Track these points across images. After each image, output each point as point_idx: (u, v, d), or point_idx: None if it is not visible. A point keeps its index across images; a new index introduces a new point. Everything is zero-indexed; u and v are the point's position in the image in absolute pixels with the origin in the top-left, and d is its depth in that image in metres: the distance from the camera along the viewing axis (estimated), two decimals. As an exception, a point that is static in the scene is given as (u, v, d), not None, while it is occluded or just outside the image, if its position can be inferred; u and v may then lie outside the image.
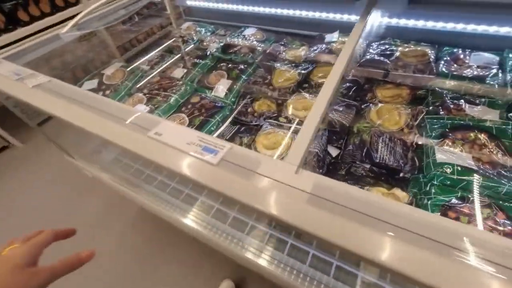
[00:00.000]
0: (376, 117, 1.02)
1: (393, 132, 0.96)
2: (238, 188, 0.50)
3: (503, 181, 0.73)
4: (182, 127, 0.67)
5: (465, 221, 0.70)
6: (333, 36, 1.38)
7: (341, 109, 1.07)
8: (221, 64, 1.45)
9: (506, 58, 1.04)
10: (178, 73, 1.43)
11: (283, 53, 1.43)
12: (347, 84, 1.17)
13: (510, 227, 0.66)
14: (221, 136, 1.12)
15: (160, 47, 1.68)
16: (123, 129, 0.66)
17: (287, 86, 1.23)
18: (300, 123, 1.08)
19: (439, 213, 0.72)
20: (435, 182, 0.77)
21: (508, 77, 1.01)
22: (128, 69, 1.45)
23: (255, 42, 1.52)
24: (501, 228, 0.66)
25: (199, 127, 1.11)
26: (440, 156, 0.80)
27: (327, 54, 1.31)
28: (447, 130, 0.87)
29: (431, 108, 1.01)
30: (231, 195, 0.50)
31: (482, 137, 0.83)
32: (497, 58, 1.05)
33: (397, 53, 1.16)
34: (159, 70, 1.51)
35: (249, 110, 1.23)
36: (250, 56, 1.44)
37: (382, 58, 1.16)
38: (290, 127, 1.08)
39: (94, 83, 1.37)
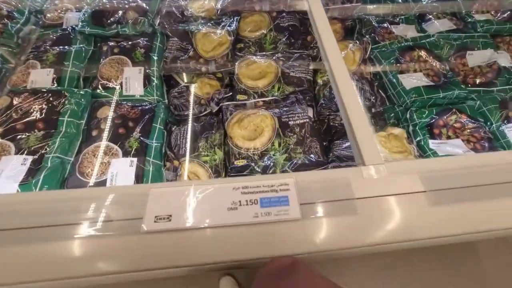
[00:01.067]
0: (333, 62, 0.96)
1: (355, 71, 0.95)
2: (380, 230, 0.35)
3: (451, 88, 0.87)
4: (188, 182, 0.40)
5: (445, 132, 0.82)
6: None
7: (297, 63, 0.95)
8: (107, 45, 0.96)
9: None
10: (40, 79, 0.86)
11: (189, 9, 1.08)
12: (285, 32, 1.03)
13: (471, 124, 0.82)
14: (178, 149, 0.82)
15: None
16: (82, 243, 0.34)
17: (221, 53, 0.96)
18: (263, 93, 0.91)
19: (426, 134, 0.80)
20: (413, 108, 0.84)
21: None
22: None
23: None
24: (467, 126, 0.81)
25: (143, 152, 0.76)
26: (406, 83, 0.86)
27: (246, -1, 1.07)
28: (397, 56, 0.93)
29: (366, 37, 1.04)
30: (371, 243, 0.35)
31: (423, 53, 0.93)
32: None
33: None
34: (-8, 83, 0.87)
35: (190, 98, 0.92)
36: (145, 22, 1.01)
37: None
38: (257, 103, 0.90)
39: None
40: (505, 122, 0.80)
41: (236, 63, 0.95)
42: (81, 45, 0.95)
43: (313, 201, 0.38)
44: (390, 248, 0.36)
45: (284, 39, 1.02)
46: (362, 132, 0.46)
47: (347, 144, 0.82)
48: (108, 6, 1.02)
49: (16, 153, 0.69)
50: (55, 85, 0.85)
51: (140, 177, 0.71)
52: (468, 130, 0.80)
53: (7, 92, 0.82)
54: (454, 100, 0.86)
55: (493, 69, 0.94)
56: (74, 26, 0.99)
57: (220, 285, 1.25)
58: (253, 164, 0.77)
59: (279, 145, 0.79)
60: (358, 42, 0.98)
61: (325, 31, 0.67)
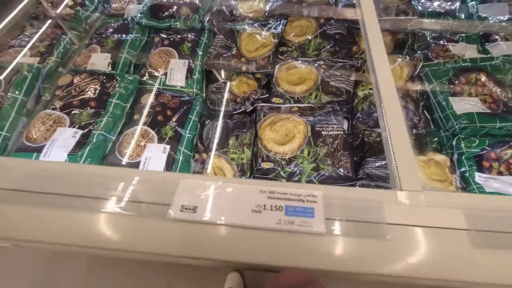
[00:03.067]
0: (378, 75, 0.92)
1: (400, 88, 0.90)
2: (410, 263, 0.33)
3: (507, 117, 0.77)
4: (217, 178, 0.41)
5: (496, 166, 0.73)
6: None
7: (338, 73, 0.92)
8: (159, 37, 1.03)
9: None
10: (99, 63, 0.95)
11: (238, 9, 1.11)
12: (331, 40, 1.00)
13: (531, 161, 0.72)
14: (209, 143, 0.85)
15: (31, 27, 1.07)
16: (114, 219, 0.36)
17: (263, 54, 0.97)
18: (300, 99, 0.90)
19: (474, 165, 0.72)
20: (461, 136, 0.76)
21: (470, 8, 1.03)
22: (3, 74, 0.88)
23: (191, -4, 1.11)
24: (526, 165, 0.71)
25: (176, 141, 0.79)
26: (458, 107, 0.79)
27: (296, 2, 1.07)
28: (451, 76, 0.85)
29: (418, 53, 0.97)
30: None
31: (482, 77, 0.84)
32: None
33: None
34: (58, 62, 0.98)
35: (226, 95, 0.95)
36: (195, 18, 1.06)
37: (360, 2, 1.01)
38: (292, 108, 0.89)
39: None
40: None
41: (277, 66, 0.95)
42: (137, 35, 1.03)
43: (340, 218, 0.37)
44: (417, 283, 0.33)
45: (328, 47, 1.00)
46: (402, 154, 0.43)
47: (380, 163, 0.77)
48: (165, 0, 1.09)
49: (70, 126, 0.77)
50: (110, 69, 0.94)
51: (170, 164, 0.75)
52: (526, 169, 0.71)
53: (70, 70, 0.92)
54: (508, 133, 0.77)
55: None
56: (133, 17, 1.08)
57: (226, 279, 1.27)
58: (279, 168, 0.77)
59: (309, 153, 0.78)
60: (408, 57, 0.92)
61: (376, 42, 0.64)
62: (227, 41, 1.02)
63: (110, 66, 0.94)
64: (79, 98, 0.83)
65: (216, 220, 0.35)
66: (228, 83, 0.97)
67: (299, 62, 0.95)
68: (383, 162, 0.77)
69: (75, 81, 0.87)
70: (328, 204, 0.38)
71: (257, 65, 0.97)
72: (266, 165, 0.78)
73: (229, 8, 1.11)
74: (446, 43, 0.98)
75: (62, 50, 1.01)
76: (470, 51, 0.95)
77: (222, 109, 0.93)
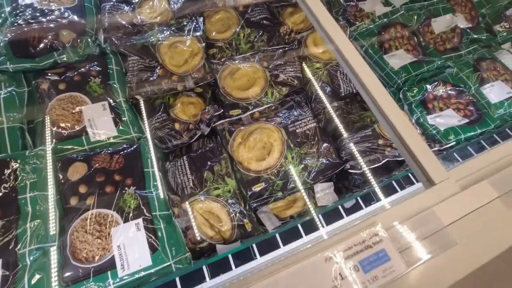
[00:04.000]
0: (317, 50, 0.91)
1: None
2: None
3: (430, 59, 0.90)
4: (268, 271, 0.34)
5: (437, 105, 0.85)
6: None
7: (282, 62, 0.88)
8: (47, 82, 0.75)
9: None
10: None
11: (137, 16, 0.89)
12: (259, 28, 0.93)
13: (455, 91, 0.86)
14: (182, 189, 0.71)
15: None
16: None
17: (196, 65, 0.83)
18: (258, 103, 0.82)
19: (423, 110, 0.83)
20: (405, 88, 0.85)
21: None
22: None
23: (61, 9, 0.82)
24: (453, 95, 0.86)
25: (146, 208, 0.63)
26: (394, 62, 0.86)
27: (205, -6, 0.93)
28: (377, 35, 0.91)
29: (341, 20, 1.00)
30: None
31: (399, 29, 0.93)
32: None
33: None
34: None
35: (176, 126, 0.79)
36: (88, 42, 0.81)
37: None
38: (254, 114, 0.81)
39: None
40: (481, 83, 0.87)
41: (217, 74, 0.83)
42: (9, 89, 0.72)
43: (408, 245, 0.34)
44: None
45: (259, 35, 0.92)
46: (417, 146, 0.43)
47: (355, 138, 0.80)
48: (29, 28, 0.78)
49: (-25, 264, 0.50)
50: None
51: (154, 240, 0.60)
52: (455, 99, 0.85)
53: None
54: (436, 71, 0.90)
55: (456, 33, 0.99)
56: (-11, 64, 0.74)
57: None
58: (271, 184, 0.71)
59: (292, 157, 0.74)
60: (336, 26, 0.94)
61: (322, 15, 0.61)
62: (145, 61, 0.82)
63: (-8, 149, 0.64)
64: (-33, 215, 0.55)
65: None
66: (171, 111, 0.80)
67: (238, 61, 0.86)
68: (357, 135, 0.80)
69: None
70: (392, 234, 0.35)
71: (194, 79, 0.83)
72: (257, 187, 0.71)
73: (126, 18, 0.88)
74: (357, 2, 1.03)
75: None
76: (378, 6, 1.03)
77: (178, 143, 0.78)
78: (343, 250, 0.33)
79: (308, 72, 0.89)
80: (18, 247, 0.53)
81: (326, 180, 0.78)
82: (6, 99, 0.70)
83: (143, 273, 0.56)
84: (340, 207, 0.72)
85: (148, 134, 0.77)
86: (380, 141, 0.77)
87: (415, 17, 0.98)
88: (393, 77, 0.86)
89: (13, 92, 0.72)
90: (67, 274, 0.54)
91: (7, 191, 0.58)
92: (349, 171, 0.74)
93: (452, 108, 0.84)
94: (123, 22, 0.87)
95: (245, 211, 0.70)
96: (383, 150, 0.76)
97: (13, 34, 0.76)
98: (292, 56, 0.89)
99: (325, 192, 0.76)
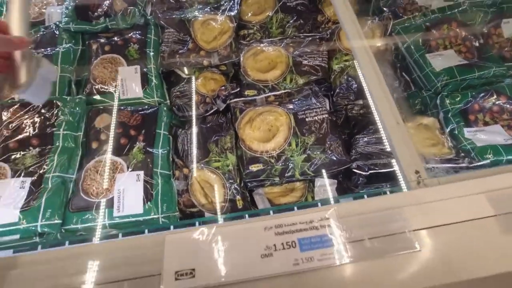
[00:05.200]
0: (348, 43, 0.86)
1: (375, 53, 0.85)
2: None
3: (487, 65, 0.76)
4: (209, 226, 0.34)
5: (481, 117, 0.73)
6: None
7: (309, 49, 0.85)
8: (97, 43, 0.87)
9: None
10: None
11: (182, -7, 0.96)
12: (293, 13, 0.91)
13: (510, 106, 0.72)
14: (187, 156, 0.75)
15: None
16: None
17: (224, 43, 0.86)
18: (274, 87, 0.82)
19: (461, 121, 0.72)
20: (444, 93, 0.74)
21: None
22: None
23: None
24: (507, 110, 0.72)
25: (149, 163, 0.69)
26: (437, 63, 0.76)
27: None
28: (424, 31, 0.81)
29: (386, 11, 0.91)
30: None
31: (453, 26, 0.81)
32: None
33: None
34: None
35: (193, 97, 0.84)
36: (135, 13, 0.90)
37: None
38: (268, 98, 0.81)
39: None
40: (550, 102, 0.71)
41: (241, 54, 0.85)
42: (68, 45, 0.85)
43: (362, 238, 0.32)
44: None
45: (292, 21, 0.91)
46: (403, 149, 0.39)
47: (370, 138, 0.74)
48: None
49: (13, 176, 0.63)
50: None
51: (149, 192, 0.66)
52: (508, 114, 0.72)
53: (-6, 106, 0.75)
54: (491, 80, 0.76)
55: (533, 39, 0.82)
56: (57, 22, 0.89)
57: None
58: (269, 168, 0.71)
59: (297, 145, 0.72)
60: (377, 17, 0.87)
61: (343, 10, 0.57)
62: (180, 34, 0.88)
63: (45, 91, 0.78)
64: (16, 138, 0.68)
65: (223, 280, 0.28)
66: (193, 83, 0.85)
67: (264, 44, 0.86)
68: (373, 137, 0.74)
69: (3, 118, 0.71)
70: (346, 224, 0.33)
71: (220, 57, 0.86)
72: (254, 167, 0.71)
73: (171, -6, 0.96)
74: (409, -6, 0.93)
75: (-23, 81, 0.82)
76: (436, 0, 0.92)
77: (194, 113, 0.82)
78: (285, 224, 0.32)
79: (334, 64, 0.84)
80: (45, 171, 0.65)
81: (331, 176, 0.74)
82: (64, 53, 0.84)
83: (132, 219, 0.63)
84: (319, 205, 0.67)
85: (168, 101, 0.83)
86: (398, 146, 0.70)
87: (481, 14, 0.84)
88: (432, 79, 0.76)
89: (70, 49, 0.85)
90: (75, 202, 0.64)
91: (47, 124, 0.70)
92: (354, 170, 0.69)
93: (501, 124, 0.71)
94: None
95: (239, 188, 0.71)
96: (398, 155, 0.69)
97: (78, 1, 0.89)
98: (321, 45, 0.85)
99: (324, 189, 0.73)
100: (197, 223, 0.46)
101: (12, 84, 0.39)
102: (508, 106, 0.72)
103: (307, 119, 0.73)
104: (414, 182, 0.36)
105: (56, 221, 0.60)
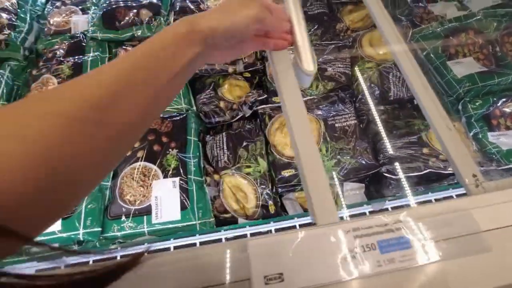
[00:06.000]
0: (372, 50, 0.89)
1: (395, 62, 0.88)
2: None
3: (505, 71, 0.80)
4: (288, 231, 0.35)
5: (503, 122, 0.76)
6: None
7: (332, 57, 0.87)
8: (123, 51, 0.88)
9: None
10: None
11: (204, 2, 0.98)
12: (315, 22, 0.94)
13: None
14: (217, 162, 0.76)
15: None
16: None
17: (249, 50, 0.88)
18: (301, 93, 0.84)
19: (484, 126, 0.74)
20: (467, 99, 0.77)
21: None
22: None
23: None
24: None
25: (183, 170, 0.70)
26: (459, 70, 0.79)
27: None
28: (443, 39, 0.85)
29: (404, 21, 0.95)
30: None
31: (471, 35, 0.85)
32: None
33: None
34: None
35: (220, 104, 0.86)
36: (160, 21, 0.92)
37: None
38: (295, 105, 0.83)
39: None
40: None
41: (267, 62, 0.87)
42: (96, 53, 0.87)
43: (437, 239, 0.33)
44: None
45: (313, 29, 0.93)
46: (458, 154, 0.41)
47: (396, 143, 0.76)
48: (118, 5, 0.92)
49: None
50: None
51: (185, 198, 0.66)
52: (528, 119, 0.75)
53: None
54: (509, 86, 0.79)
55: (545, 46, 0.86)
56: (84, 31, 0.90)
57: None
58: (300, 173, 0.72)
59: (327, 150, 0.74)
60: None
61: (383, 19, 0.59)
62: (205, 42, 0.90)
63: (76, 99, 0.79)
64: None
65: (312, 284, 0.29)
66: (219, 90, 0.87)
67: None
68: (401, 140, 0.76)
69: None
70: (419, 226, 0.34)
71: (245, 64, 0.88)
72: (287, 173, 0.73)
73: (194, 3, 0.98)
74: (426, 4, 0.96)
75: (5, 90, 0.82)
76: (450, 10, 0.95)
77: (220, 120, 0.84)
78: (362, 228, 0.34)
79: (357, 71, 0.87)
80: (82, 178, 0.65)
81: (358, 180, 0.76)
82: (92, 61, 0.85)
83: (171, 225, 0.63)
84: (365, 206, 0.69)
85: (195, 108, 0.85)
86: (425, 150, 0.72)
87: (495, 23, 0.88)
88: (454, 85, 0.79)
89: (98, 57, 0.86)
90: (113, 209, 0.64)
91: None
92: (384, 174, 0.71)
93: (522, 128, 0.74)
94: (192, 7, 0.96)
95: (271, 193, 0.73)
96: (427, 159, 0.71)
97: (105, 10, 0.91)
98: (344, 52, 0.88)
99: (354, 192, 0.74)
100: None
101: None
102: (527, 111, 0.75)
103: (336, 125, 0.75)
104: (473, 185, 0.38)
105: (96, 229, 0.60)
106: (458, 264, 0.31)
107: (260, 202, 0.71)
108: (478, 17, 0.88)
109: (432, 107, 0.46)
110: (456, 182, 0.67)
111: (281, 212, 0.73)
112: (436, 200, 0.59)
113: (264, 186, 0.72)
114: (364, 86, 0.86)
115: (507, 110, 0.76)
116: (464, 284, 0.31)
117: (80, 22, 0.94)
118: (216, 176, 0.76)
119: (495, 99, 0.76)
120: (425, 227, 0.34)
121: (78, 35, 0.89)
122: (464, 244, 0.33)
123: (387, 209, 0.61)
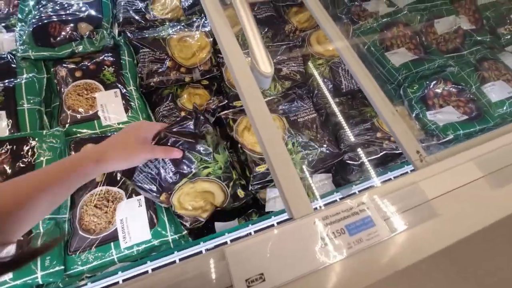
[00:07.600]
0: (320, 47, 0.95)
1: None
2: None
3: (431, 58, 0.91)
4: (265, 231, 0.36)
5: (437, 102, 0.87)
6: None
7: (285, 57, 0.91)
8: (64, 69, 0.80)
9: None
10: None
11: (150, 12, 0.94)
12: (264, 25, 0.97)
13: (456, 89, 0.88)
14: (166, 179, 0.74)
15: None
16: None
17: (204, 59, 0.88)
18: (260, 95, 0.85)
19: (423, 106, 0.84)
20: (406, 84, 0.87)
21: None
22: None
23: (79, 3, 0.88)
24: (453, 93, 0.87)
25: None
26: (396, 60, 0.88)
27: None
28: (379, 34, 0.94)
29: (344, 19, 1.03)
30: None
31: (401, 28, 0.96)
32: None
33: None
34: None
35: (181, 115, 0.83)
36: (103, 35, 0.86)
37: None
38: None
39: None
40: (482, 82, 0.88)
41: (223, 67, 0.87)
42: (30, 74, 0.77)
43: (392, 215, 0.37)
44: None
45: (264, 32, 0.96)
46: (403, 135, 0.45)
47: (354, 131, 0.82)
48: (50, 20, 0.84)
49: (-7, 229, 0.55)
50: (14, 131, 0.69)
51: (153, 216, 0.63)
52: (455, 96, 0.87)
53: None
54: (437, 70, 0.91)
55: (459, 34, 1.01)
56: (13, 51, 0.80)
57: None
58: (271, 172, 0.74)
59: (293, 145, 0.76)
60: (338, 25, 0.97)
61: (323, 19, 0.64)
62: (156, 53, 0.87)
63: (12, 128, 0.69)
64: (-13, 185, 0.59)
65: (293, 278, 0.30)
66: (178, 101, 0.84)
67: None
68: (356, 128, 0.82)
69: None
70: (379, 204, 0.37)
71: (201, 71, 0.87)
72: (261, 169, 0.74)
73: (139, 13, 0.94)
74: (361, 3, 1.06)
75: None
76: (381, 7, 1.06)
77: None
78: (330, 215, 0.36)
79: (310, 68, 0.92)
80: (32, 216, 0.57)
81: (326, 170, 0.80)
82: (27, 83, 0.76)
83: (143, 246, 0.59)
84: (335, 194, 0.73)
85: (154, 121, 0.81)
86: (379, 134, 0.79)
87: (418, 17, 1.00)
88: (393, 73, 0.88)
89: (34, 78, 0.77)
90: (74, 242, 0.58)
91: (25, 165, 0.62)
92: (347, 162, 0.76)
93: (452, 105, 0.85)
94: (137, 17, 0.92)
95: (238, 182, 0.71)
96: (381, 143, 0.78)
97: (35, 25, 0.82)
98: (295, 52, 0.92)
99: (323, 183, 0.78)
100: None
101: None
102: (453, 90, 0.87)
103: (299, 120, 0.79)
104: (418, 160, 0.43)
105: (58, 268, 0.54)
106: (412, 233, 0.35)
107: (229, 194, 0.70)
108: (404, 12, 1.00)
109: (377, 96, 0.50)
110: (407, 159, 0.75)
111: (250, 192, 0.73)
112: (395, 177, 0.65)
113: (228, 181, 0.70)
114: (318, 81, 0.91)
115: (438, 91, 0.87)
116: (425, 249, 0.34)
117: (7, 41, 0.83)
118: (162, 197, 0.71)
119: (427, 82, 0.87)
120: (384, 205, 0.37)
121: (5, 55, 0.78)
122: (418, 213, 0.37)
123: (355, 193, 0.65)
